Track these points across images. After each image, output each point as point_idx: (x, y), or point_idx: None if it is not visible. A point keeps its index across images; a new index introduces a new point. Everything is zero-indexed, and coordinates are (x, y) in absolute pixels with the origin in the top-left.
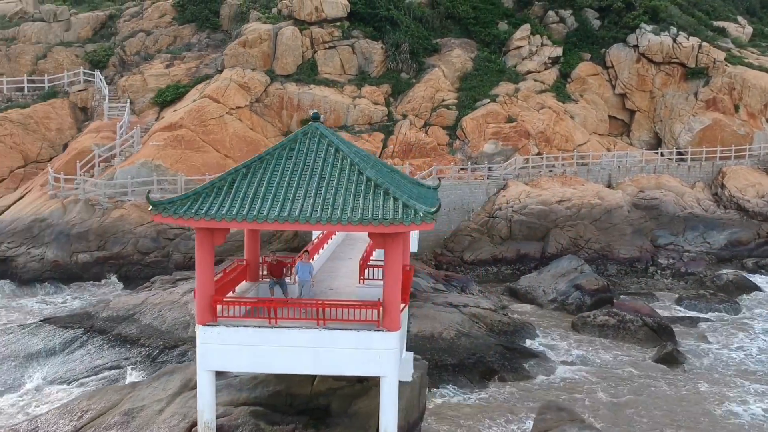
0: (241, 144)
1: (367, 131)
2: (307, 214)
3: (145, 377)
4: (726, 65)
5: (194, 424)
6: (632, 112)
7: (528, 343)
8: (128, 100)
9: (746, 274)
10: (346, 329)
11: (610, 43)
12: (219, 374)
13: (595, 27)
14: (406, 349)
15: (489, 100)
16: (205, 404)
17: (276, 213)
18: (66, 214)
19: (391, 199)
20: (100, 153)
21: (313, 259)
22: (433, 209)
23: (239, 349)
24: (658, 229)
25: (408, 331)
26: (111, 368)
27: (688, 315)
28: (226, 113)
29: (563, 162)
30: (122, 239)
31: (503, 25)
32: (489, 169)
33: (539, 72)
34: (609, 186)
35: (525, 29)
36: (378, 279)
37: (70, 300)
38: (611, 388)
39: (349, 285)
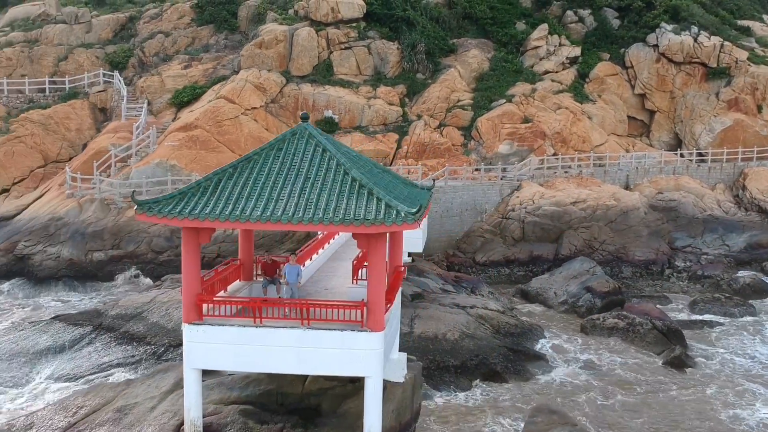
0: (255, 144)
1: (382, 132)
2: (290, 214)
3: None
4: (749, 65)
5: (184, 422)
6: (652, 113)
7: (535, 345)
8: (146, 101)
9: (764, 277)
10: (330, 329)
11: (630, 42)
12: (212, 373)
13: (615, 26)
14: (406, 350)
15: (505, 101)
16: (192, 402)
17: (259, 213)
18: (82, 213)
19: (375, 199)
20: (116, 153)
21: (311, 259)
22: (414, 210)
23: (225, 347)
24: (675, 231)
25: (411, 332)
26: (117, 366)
27: (700, 318)
28: (242, 114)
29: (579, 163)
30: (136, 238)
31: (521, 25)
32: (503, 170)
33: (557, 72)
34: (626, 187)
35: (543, 29)
36: None
37: (87, 300)
38: (614, 391)
39: (345, 285)
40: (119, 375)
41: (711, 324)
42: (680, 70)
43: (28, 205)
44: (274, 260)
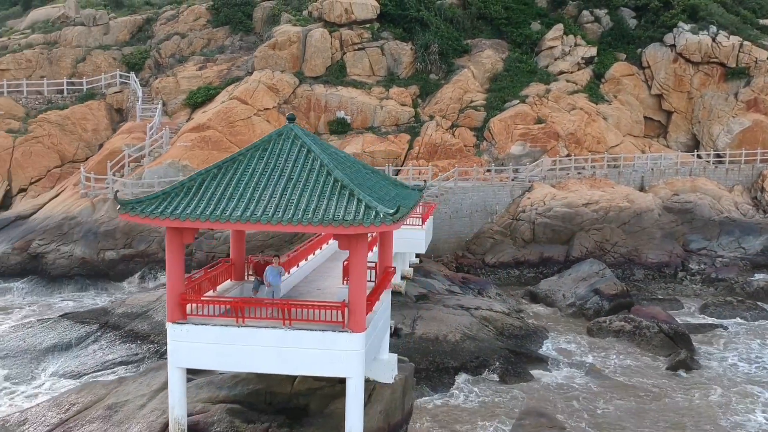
0: None
1: (394, 132)
2: (269, 215)
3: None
4: None
5: None
6: (669, 114)
7: (539, 347)
8: (161, 102)
9: None
10: (311, 330)
11: (647, 42)
12: (202, 372)
13: (632, 26)
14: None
15: (518, 101)
16: (176, 400)
17: (239, 213)
18: (95, 212)
19: (355, 200)
20: (130, 153)
21: (307, 260)
22: (392, 211)
23: (208, 347)
24: (690, 234)
25: (412, 333)
26: (120, 363)
27: (710, 322)
28: (254, 114)
29: (593, 164)
30: (147, 237)
31: (536, 26)
32: (515, 170)
33: (572, 72)
34: (641, 189)
35: (558, 29)
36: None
37: (98, 298)
38: (613, 395)
39: (336, 285)
40: (122, 373)
41: (721, 327)
42: (698, 70)
43: (44, 205)
44: (266, 260)
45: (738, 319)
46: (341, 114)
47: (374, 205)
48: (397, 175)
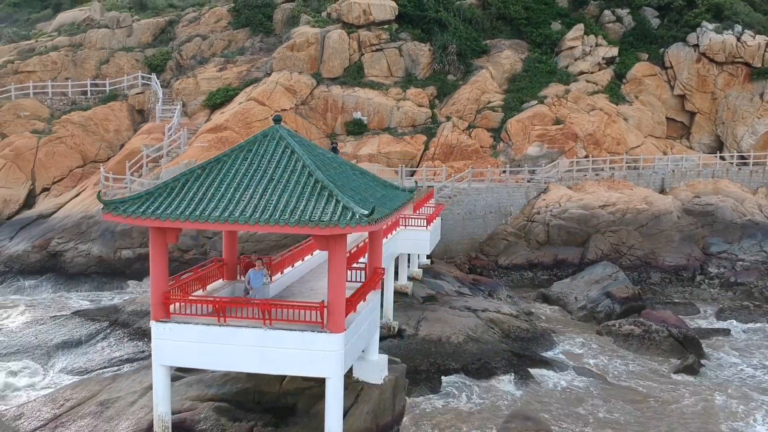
0: None
1: (410, 133)
2: (248, 216)
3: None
4: None
5: None
6: (692, 114)
7: (545, 350)
8: (180, 103)
9: None
10: (290, 329)
11: (670, 42)
12: (193, 370)
13: (654, 26)
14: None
15: (536, 102)
16: (160, 398)
17: (218, 214)
18: None
19: (333, 201)
20: (148, 153)
21: (303, 260)
22: (366, 212)
23: (190, 345)
24: (711, 237)
25: (416, 334)
26: (126, 361)
27: (723, 327)
28: (271, 115)
29: (612, 165)
30: None
31: (556, 26)
32: (531, 172)
33: (592, 73)
34: (662, 191)
35: (578, 29)
36: (358, 281)
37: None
38: (616, 399)
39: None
40: (127, 370)
41: (734, 332)
42: (722, 70)
43: (65, 204)
44: (260, 259)
45: (753, 324)
46: (358, 115)
47: (351, 206)
48: (412, 176)
